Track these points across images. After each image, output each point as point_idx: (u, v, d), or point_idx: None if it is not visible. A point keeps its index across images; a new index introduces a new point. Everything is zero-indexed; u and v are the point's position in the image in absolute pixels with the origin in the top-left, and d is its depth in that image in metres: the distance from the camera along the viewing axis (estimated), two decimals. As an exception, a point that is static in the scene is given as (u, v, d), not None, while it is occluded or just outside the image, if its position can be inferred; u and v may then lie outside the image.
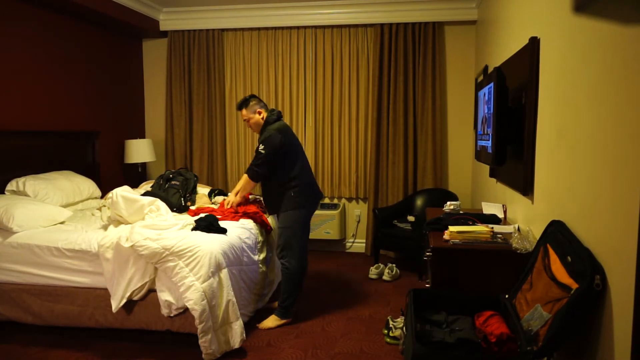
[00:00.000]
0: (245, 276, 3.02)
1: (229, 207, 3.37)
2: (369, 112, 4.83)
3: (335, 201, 5.06)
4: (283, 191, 3.11)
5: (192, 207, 3.64)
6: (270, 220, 3.54)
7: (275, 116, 3.19)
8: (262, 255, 3.29)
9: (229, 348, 2.70)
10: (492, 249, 2.26)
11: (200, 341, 2.59)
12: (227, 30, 5.02)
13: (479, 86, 3.36)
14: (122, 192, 3.02)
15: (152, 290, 2.78)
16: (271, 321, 3.13)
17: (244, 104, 3.22)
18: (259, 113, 3.19)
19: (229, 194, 3.54)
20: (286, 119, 4.95)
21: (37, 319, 2.92)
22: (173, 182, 3.72)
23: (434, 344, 1.83)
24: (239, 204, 3.39)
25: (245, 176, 3.19)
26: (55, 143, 4.00)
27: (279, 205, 3.15)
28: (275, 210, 3.21)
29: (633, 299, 1.29)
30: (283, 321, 3.14)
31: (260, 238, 3.33)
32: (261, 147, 3.06)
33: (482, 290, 2.20)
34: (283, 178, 3.11)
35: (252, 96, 3.25)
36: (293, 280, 3.13)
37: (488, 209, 3.00)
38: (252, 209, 3.42)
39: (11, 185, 3.42)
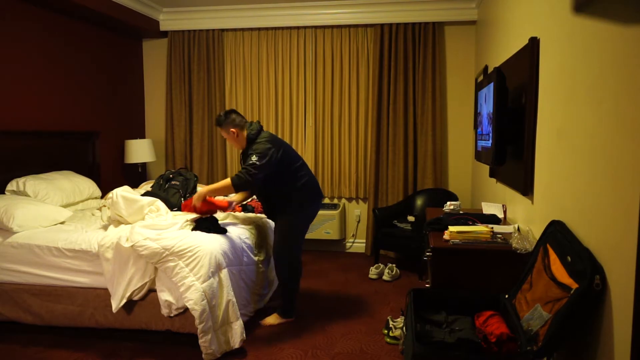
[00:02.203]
0: (245, 276, 3.02)
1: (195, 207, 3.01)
2: (369, 112, 4.83)
3: (335, 201, 5.06)
4: (288, 196, 3.06)
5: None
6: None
7: (255, 130, 3.00)
8: (262, 256, 3.29)
9: (229, 348, 2.70)
10: (492, 249, 2.26)
11: (200, 341, 2.59)
12: (227, 30, 5.02)
13: (479, 86, 3.36)
14: (122, 192, 3.02)
15: (152, 290, 2.78)
16: (273, 319, 3.16)
17: (218, 122, 3.01)
18: (233, 133, 2.97)
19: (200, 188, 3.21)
20: (286, 119, 4.96)
21: (37, 319, 2.92)
22: (173, 182, 3.72)
23: (434, 344, 1.83)
24: (207, 211, 3.06)
25: (227, 181, 2.88)
26: (55, 143, 4.00)
27: (282, 209, 3.09)
28: (276, 214, 3.15)
29: (633, 299, 1.29)
30: (285, 320, 3.17)
31: (261, 238, 3.33)
32: (254, 157, 2.84)
33: (482, 290, 2.20)
34: (291, 183, 3.05)
35: (228, 113, 2.98)
36: (292, 283, 3.16)
37: (488, 209, 3.00)
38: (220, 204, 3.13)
39: (11, 185, 3.42)
